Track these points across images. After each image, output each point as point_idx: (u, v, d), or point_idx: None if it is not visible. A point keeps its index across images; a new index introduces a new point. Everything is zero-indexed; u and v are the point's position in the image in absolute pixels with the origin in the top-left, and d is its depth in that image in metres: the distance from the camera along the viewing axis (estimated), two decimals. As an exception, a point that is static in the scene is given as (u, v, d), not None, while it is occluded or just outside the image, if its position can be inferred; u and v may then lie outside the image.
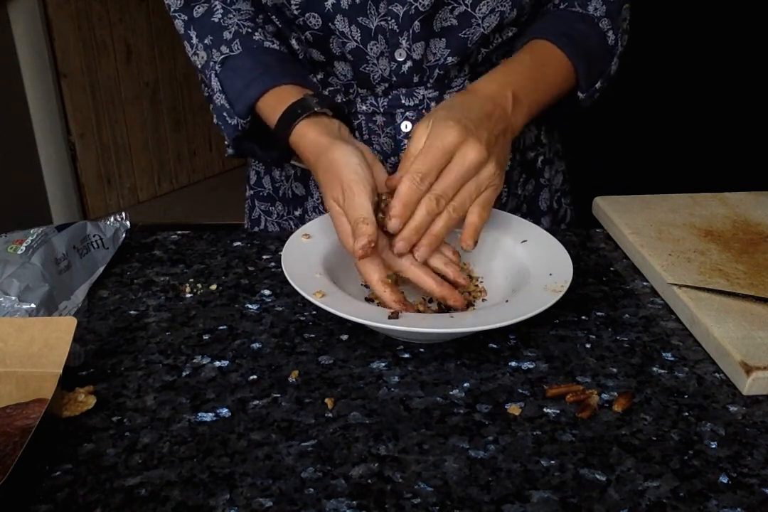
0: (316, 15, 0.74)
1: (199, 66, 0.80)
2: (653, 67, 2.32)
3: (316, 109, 0.68)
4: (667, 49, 2.38)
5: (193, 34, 0.79)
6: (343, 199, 0.61)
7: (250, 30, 0.77)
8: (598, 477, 0.48)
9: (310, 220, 0.75)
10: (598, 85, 0.79)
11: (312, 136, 0.67)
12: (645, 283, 0.72)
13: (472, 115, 0.63)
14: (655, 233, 0.76)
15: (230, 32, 0.77)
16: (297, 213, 0.91)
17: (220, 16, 0.78)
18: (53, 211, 2.65)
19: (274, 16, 0.80)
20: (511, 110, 0.67)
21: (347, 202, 0.60)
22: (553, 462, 0.50)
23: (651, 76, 2.35)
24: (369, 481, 0.48)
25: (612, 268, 0.75)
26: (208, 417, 0.54)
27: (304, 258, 0.66)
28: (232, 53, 0.76)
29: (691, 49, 2.48)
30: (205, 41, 0.78)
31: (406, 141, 0.82)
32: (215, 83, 0.77)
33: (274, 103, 0.72)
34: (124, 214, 0.77)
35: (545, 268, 0.65)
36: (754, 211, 0.82)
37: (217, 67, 0.77)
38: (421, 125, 0.63)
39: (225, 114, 0.77)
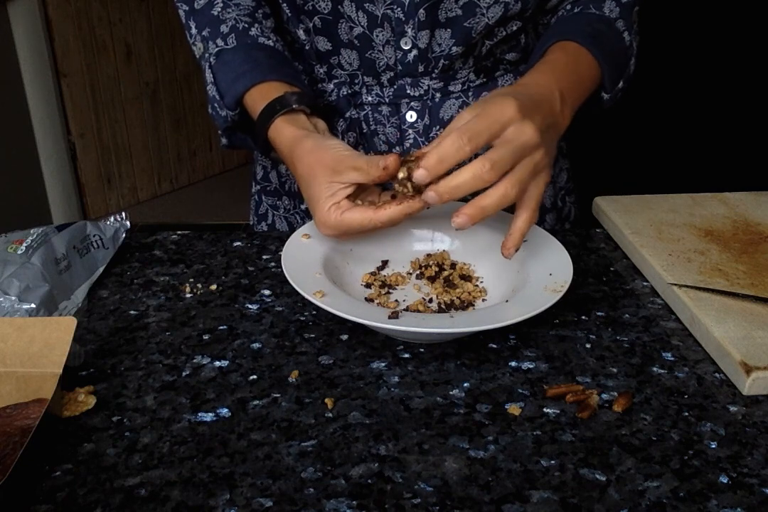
0: None
1: (197, 56, 0.82)
2: (654, 67, 2.32)
3: (294, 106, 0.70)
4: (668, 49, 2.38)
5: (192, 24, 0.81)
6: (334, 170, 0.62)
7: (246, 25, 0.78)
8: (598, 477, 0.48)
9: None
10: (620, 85, 0.79)
11: (287, 132, 0.69)
12: (645, 283, 0.72)
13: (528, 99, 0.61)
14: (655, 233, 0.76)
15: (227, 26, 0.78)
16: (303, 206, 0.92)
17: (219, 9, 0.79)
18: (53, 211, 2.65)
19: (284, 4, 0.81)
20: (559, 108, 0.66)
21: (343, 163, 0.62)
22: (553, 462, 0.50)
23: (652, 76, 2.35)
24: (369, 481, 0.48)
25: (612, 268, 0.75)
26: (208, 417, 0.54)
27: (304, 258, 0.66)
28: (226, 47, 0.77)
29: (691, 50, 2.48)
30: (203, 33, 0.79)
31: (411, 131, 0.83)
32: (209, 75, 0.78)
33: (257, 98, 0.73)
34: (124, 214, 0.77)
35: (545, 268, 0.65)
36: (754, 211, 0.82)
37: (211, 59, 0.78)
38: (468, 108, 0.60)
39: (216, 105, 0.78)
